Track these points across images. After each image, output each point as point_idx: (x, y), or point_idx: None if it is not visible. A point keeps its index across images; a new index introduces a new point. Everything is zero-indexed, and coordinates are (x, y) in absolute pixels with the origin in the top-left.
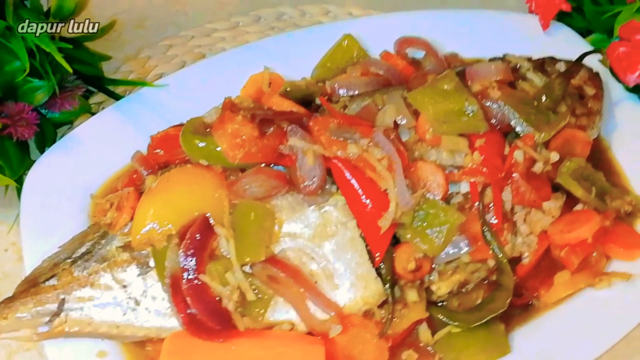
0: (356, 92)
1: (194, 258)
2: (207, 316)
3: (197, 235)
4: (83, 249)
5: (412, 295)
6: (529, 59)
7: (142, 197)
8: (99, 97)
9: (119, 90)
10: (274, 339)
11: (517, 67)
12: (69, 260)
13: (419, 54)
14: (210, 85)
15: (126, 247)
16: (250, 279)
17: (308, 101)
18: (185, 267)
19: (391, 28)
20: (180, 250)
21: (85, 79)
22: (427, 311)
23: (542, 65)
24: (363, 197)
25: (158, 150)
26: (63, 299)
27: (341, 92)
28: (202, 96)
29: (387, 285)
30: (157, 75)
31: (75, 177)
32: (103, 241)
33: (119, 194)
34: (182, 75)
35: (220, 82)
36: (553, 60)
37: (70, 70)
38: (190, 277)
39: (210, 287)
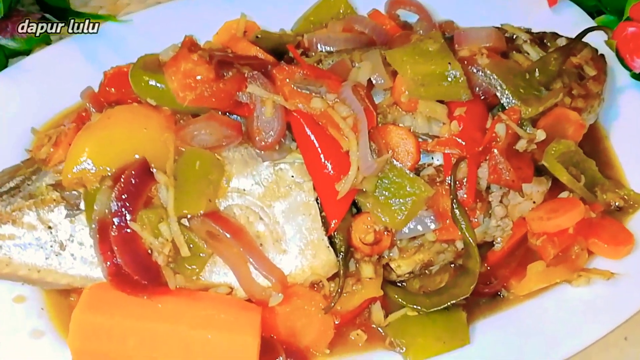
0: (334, 49)
1: (127, 203)
2: (133, 268)
3: (132, 179)
4: (12, 184)
5: (367, 270)
6: (528, 31)
7: (79, 132)
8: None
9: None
10: (206, 300)
11: (514, 37)
12: None
13: (413, 17)
14: (180, 27)
15: (57, 185)
16: (187, 234)
17: (280, 53)
18: (115, 212)
19: None
20: (113, 194)
21: (47, 8)
22: (382, 289)
23: (542, 39)
24: (322, 157)
25: (110, 88)
26: None
27: (318, 47)
28: (169, 38)
29: (340, 257)
30: (129, 15)
31: (20, 109)
32: (34, 177)
33: (59, 129)
34: (151, 14)
35: (192, 25)
36: (554, 35)
37: None
38: (120, 224)
39: (140, 237)
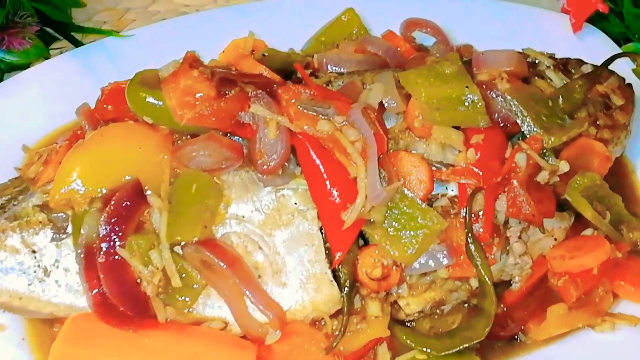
0: (345, 71)
1: (116, 228)
2: (120, 298)
3: (124, 202)
4: None
5: (373, 308)
6: (551, 57)
7: (70, 151)
8: (64, 44)
9: (88, 41)
10: (197, 336)
11: (536, 62)
12: None
13: (429, 40)
14: (185, 44)
15: (44, 206)
16: (180, 263)
17: (288, 73)
18: (103, 237)
19: (401, 7)
20: (102, 217)
21: (47, 22)
22: (389, 329)
23: (566, 65)
24: (328, 183)
25: (107, 106)
26: None
27: (328, 67)
28: (173, 55)
29: (345, 292)
30: (132, 30)
31: (13, 125)
32: (20, 197)
33: (50, 147)
34: (155, 29)
35: (197, 42)
36: (579, 62)
37: (28, 5)
38: (107, 249)
39: (129, 265)
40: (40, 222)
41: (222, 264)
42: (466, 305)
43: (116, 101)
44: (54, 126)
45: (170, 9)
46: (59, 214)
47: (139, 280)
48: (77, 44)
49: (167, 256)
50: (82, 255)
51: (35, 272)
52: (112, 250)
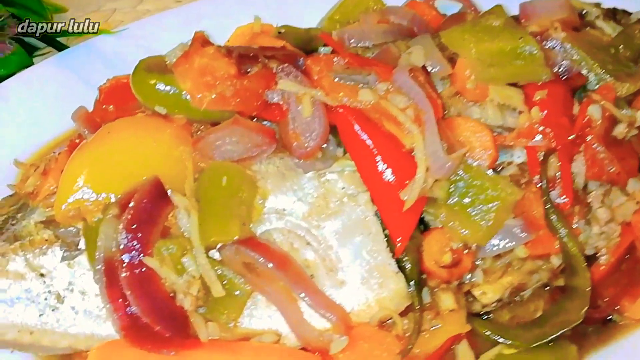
0: (371, 44)
1: (139, 235)
2: (153, 317)
3: (144, 204)
4: None
5: (446, 300)
6: (597, 5)
7: (72, 154)
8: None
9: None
10: (248, 353)
11: (583, 13)
12: None
13: (453, 8)
14: (184, 36)
15: (49, 222)
16: (219, 269)
17: (307, 52)
18: (125, 247)
19: None
20: (120, 224)
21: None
22: (468, 323)
23: (614, 14)
24: (379, 160)
25: (107, 106)
26: None
27: (352, 42)
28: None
29: (412, 285)
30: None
31: (1, 140)
32: (19, 215)
33: (47, 157)
34: (147, 23)
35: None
36: (626, 12)
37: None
38: (131, 261)
39: (159, 276)
40: (46, 240)
41: (268, 265)
42: (547, 288)
43: (118, 99)
44: (48, 138)
45: (160, 7)
46: (68, 229)
47: (172, 294)
48: (61, 48)
49: (203, 262)
50: (102, 272)
51: (46, 299)
52: (137, 262)
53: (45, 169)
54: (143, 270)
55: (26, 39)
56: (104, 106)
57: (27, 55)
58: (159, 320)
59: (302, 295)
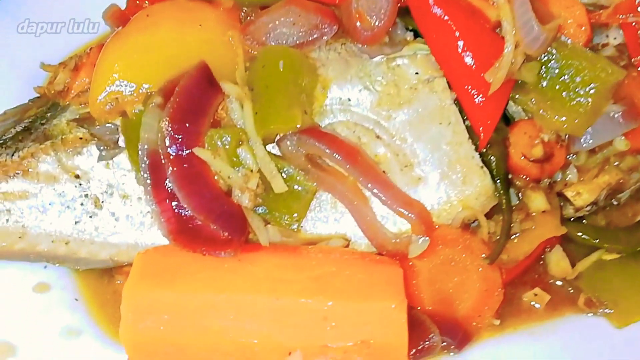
0: None
1: (187, 124)
2: (207, 215)
3: (191, 91)
4: (18, 128)
5: (537, 201)
6: None
7: (107, 43)
8: None
9: None
10: (317, 256)
11: None
12: None
13: None
14: None
15: (82, 120)
16: (278, 164)
17: None
18: (172, 139)
19: None
20: (165, 114)
21: None
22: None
23: None
24: (459, 39)
25: (142, 0)
26: None
27: None
28: None
29: (498, 182)
30: None
31: (21, 45)
32: (49, 114)
33: (78, 54)
34: None
35: None
36: None
37: None
38: (179, 154)
39: (211, 171)
40: (81, 138)
41: (336, 156)
42: None
43: None
44: (75, 45)
45: None
46: (104, 125)
47: (227, 191)
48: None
49: (261, 153)
50: (146, 169)
51: (82, 204)
52: (186, 155)
53: (76, 65)
54: (193, 164)
55: None
56: (137, 1)
57: None
58: (215, 217)
59: (376, 191)
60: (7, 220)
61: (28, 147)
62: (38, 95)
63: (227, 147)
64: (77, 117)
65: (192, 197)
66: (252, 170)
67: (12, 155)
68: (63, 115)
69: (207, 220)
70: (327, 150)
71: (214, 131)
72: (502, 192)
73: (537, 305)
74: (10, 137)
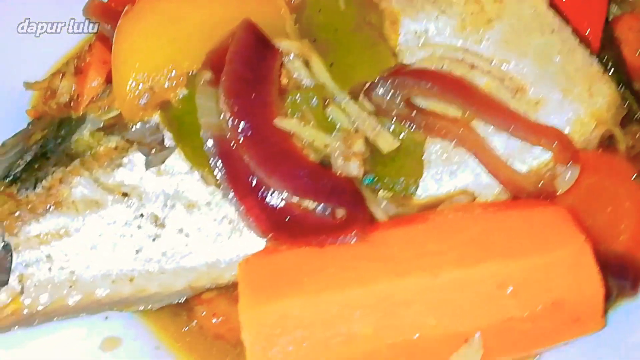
0: None
1: (251, 96)
2: (316, 196)
3: (246, 55)
4: (28, 157)
5: None
6: None
7: (118, 28)
8: None
9: None
10: (456, 216)
11: None
12: (6, 181)
13: None
14: None
15: (110, 126)
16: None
17: None
18: (238, 116)
19: None
20: (221, 89)
21: None
22: None
23: None
24: None
25: None
26: (7, 247)
27: None
28: None
29: (620, 86)
30: None
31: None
32: (63, 132)
33: (72, 57)
34: None
35: None
36: None
37: None
38: (252, 133)
39: (298, 145)
40: (115, 147)
41: (444, 93)
42: None
43: None
44: (55, 57)
45: None
46: (141, 125)
47: (325, 164)
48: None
49: (355, 110)
50: (216, 162)
51: (140, 227)
52: (262, 131)
53: (78, 68)
54: (274, 141)
55: None
56: None
57: None
58: (326, 197)
59: (501, 124)
60: (50, 269)
61: (52, 174)
62: (35, 118)
63: (313, 111)
64: (102, 124)
65: (290, 181)
66: (350, 132)
67: (34, 187)
68: (83, 127)
69: (319, 198)
70: (434, 88)
71: (294, 92)
72: (630, 98)
73: None
74: (22, 169)
